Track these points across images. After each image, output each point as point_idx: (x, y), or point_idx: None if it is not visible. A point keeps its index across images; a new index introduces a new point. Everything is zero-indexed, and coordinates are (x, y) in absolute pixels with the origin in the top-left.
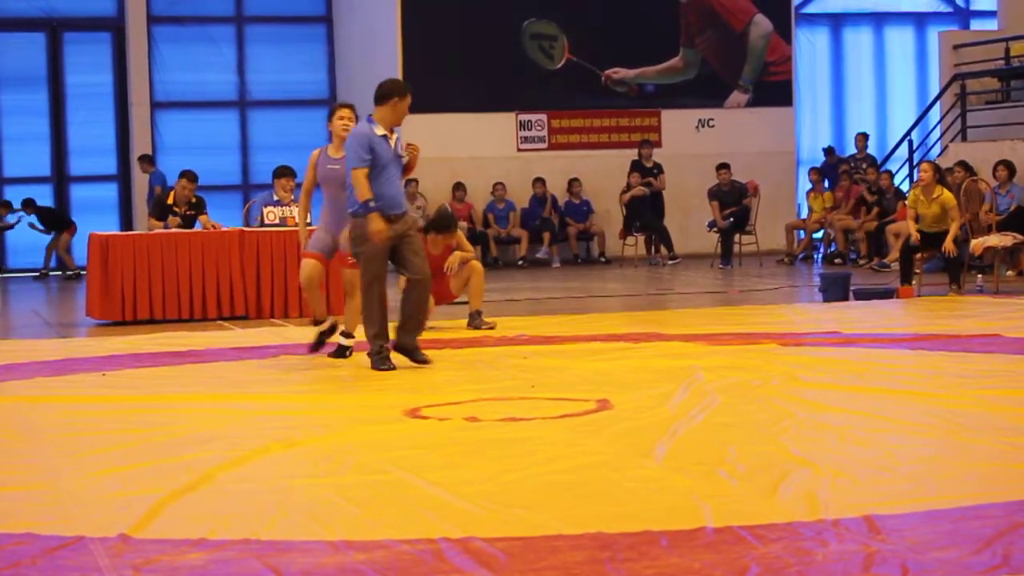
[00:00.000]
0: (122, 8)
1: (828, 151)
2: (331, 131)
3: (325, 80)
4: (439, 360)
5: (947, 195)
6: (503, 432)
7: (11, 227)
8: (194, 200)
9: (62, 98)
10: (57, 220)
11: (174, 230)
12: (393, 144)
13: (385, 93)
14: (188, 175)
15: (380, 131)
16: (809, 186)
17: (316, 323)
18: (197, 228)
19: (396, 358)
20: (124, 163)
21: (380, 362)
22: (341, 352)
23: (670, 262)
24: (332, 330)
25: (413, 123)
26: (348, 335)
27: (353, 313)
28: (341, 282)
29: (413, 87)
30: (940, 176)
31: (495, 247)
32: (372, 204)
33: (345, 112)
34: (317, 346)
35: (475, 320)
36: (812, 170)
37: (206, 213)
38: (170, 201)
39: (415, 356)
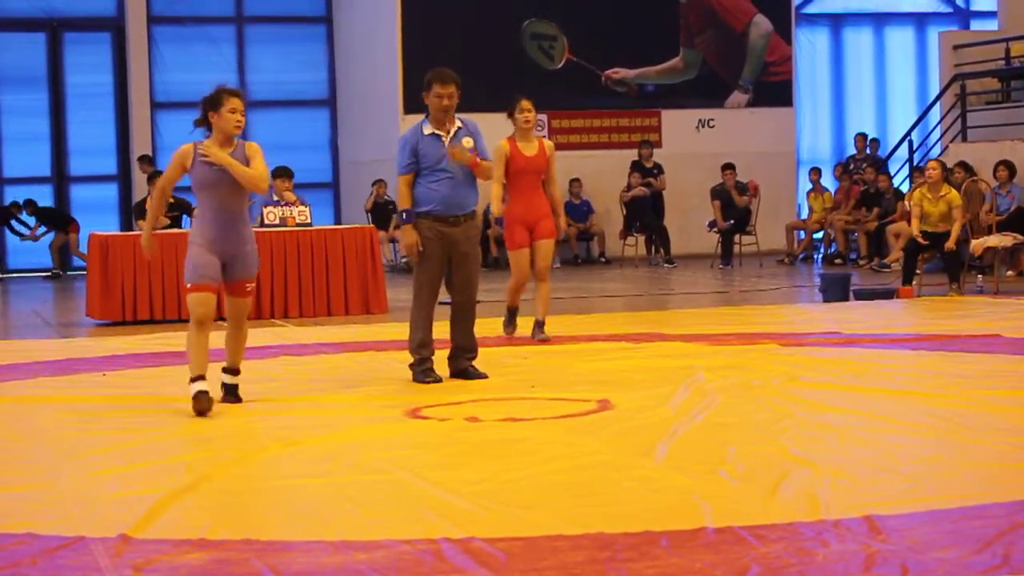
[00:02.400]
0: (122, 8)
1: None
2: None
3: (325, 80)
4: (439, 360)
5: (953, 194)
6: (503, 432)
7: (31, 236)
8: (173, 200)
9: (62, 98)
10: (58, 219)
11: (166, 231)
12: (447, 140)
13: (423, 87)
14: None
15: (429, 129)
16: (809, 186)
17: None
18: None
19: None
20: (124, 163)
21: (422, 375)
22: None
23: (667, 265)
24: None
25: (413, 122)
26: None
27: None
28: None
29: (414, 86)
30: (946, 175)
31: (495, 247)
32: (404, 216)
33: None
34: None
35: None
36: (812, 170)
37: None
38: (148, 204)
39: (470, 375)
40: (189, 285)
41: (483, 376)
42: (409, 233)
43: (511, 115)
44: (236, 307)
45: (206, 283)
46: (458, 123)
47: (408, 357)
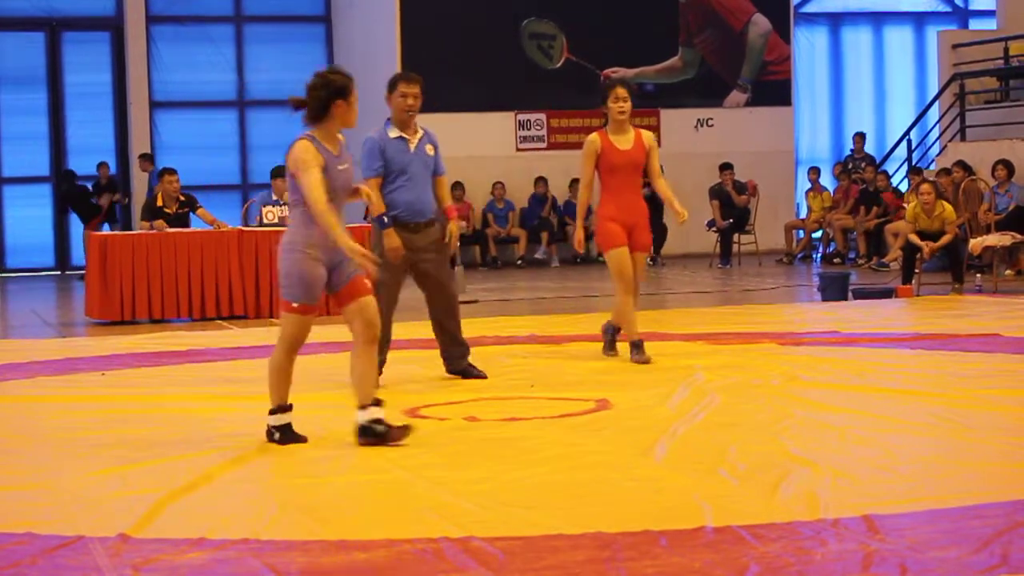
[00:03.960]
0: (121, 8)
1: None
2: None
3: None
4: (438, 360)
5: (948, 210)
6: (503, 432)
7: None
8: (183, 198)
9: (61, 97)
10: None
11: (170, 230)
12: (414, 146)
13: (387, 89)
14: (170, 170)
15: (395, 133)
16: (808, 186)
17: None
18: (198, 227)
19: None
20: (123, 162)
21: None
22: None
23: (650, 263)
24: None
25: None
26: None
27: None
28: None
29: None
30: (938, 192)
31: (494, 247)
32: (386, 219)
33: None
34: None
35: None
36: (811, 169)
37: (201, 207)
38: (160, 203)
39: (470, 374)
40: (296, 305)
41: (483, 375)
42: (392, 237)
43: (603, 103)
44: (368, 310)
45: (316, 306)
46: (421, 130)
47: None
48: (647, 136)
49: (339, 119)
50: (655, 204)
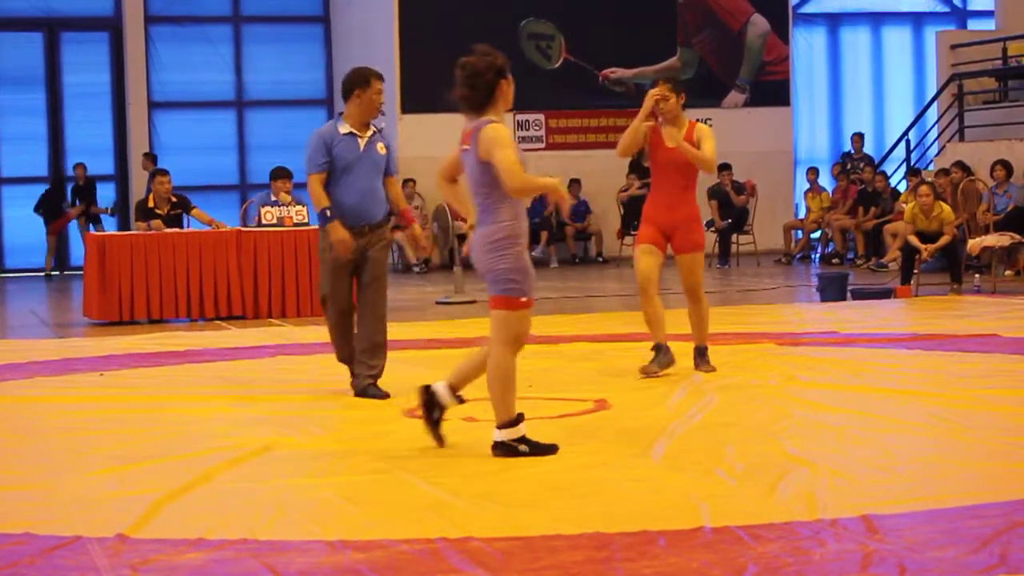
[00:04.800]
0: (119, 8)
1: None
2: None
3: (322, 80)
4: (437, 359)
5: (947, 211)
6: None
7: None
8: (175, 199)
9: (60, 98)
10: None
11: (168, 230)
12: (364, 144)
13: (346, 86)
14: (161, 171)
15: (347, 129)
16: (807, 186)
17: None
18: (196, 227)
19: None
20: (122, 163)
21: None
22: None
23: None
24: None
25: (411, 122)
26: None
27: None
28: None
29: (411, 87)
30: (936, 193)
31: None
32: (329, 213)
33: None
34: None
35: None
36: (810, 170)
37: (195, 207)
38: (151, 204)
39: (370, 395)
40: (525, 299)
41: (384, 396)
42: (338, 229)
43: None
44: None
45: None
46: (373, 128)
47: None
48: (699, 129)
49: (504, 99)
50: None
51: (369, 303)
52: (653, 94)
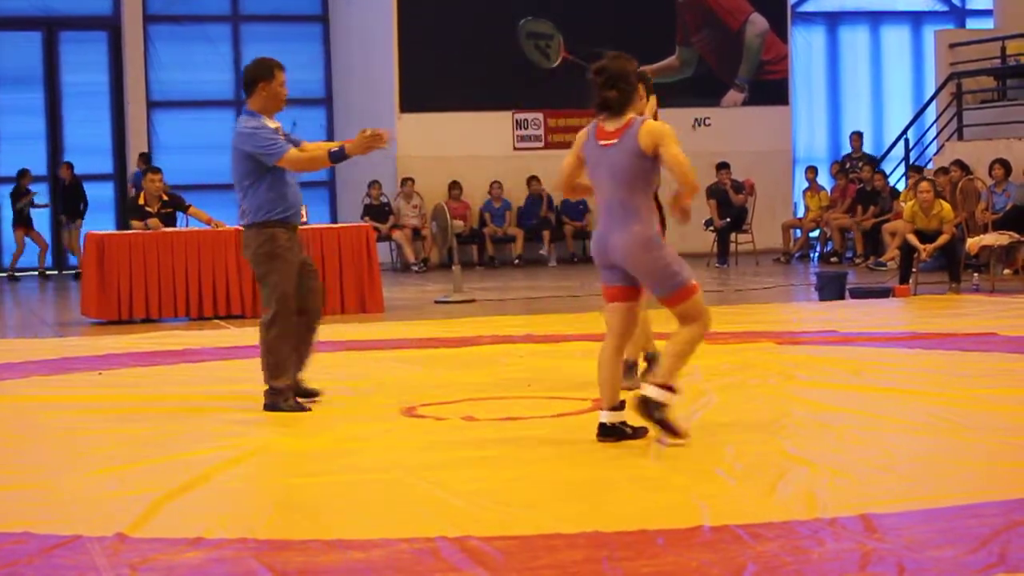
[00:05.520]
0: (118, 7)
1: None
2: None
3: (321, 79)
4: (436, 359)
5: (946, 209)
6: (500, 431)
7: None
8: (167, 197)
9: (58, 97)
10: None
11: (166, 229)
12: (283, 139)
13: (249, 80)
14: (153, 169)
15: (272, 124)
16: (805, 185)
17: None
18: (195, 226)
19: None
20: (120, 162)
21: (290, 404)
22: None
23: None
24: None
25: (409, 121)
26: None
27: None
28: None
29: (410, 86)
30: (936, 191)
31: (492, 246)
32: (339, 151)
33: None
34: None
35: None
36: (808, 169)
37: (191, 206)
38: (141, 202)
39: (303, 392)
40: (694, 283)
41: (316, 393)
42: (358, 142)
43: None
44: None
45: None
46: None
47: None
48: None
49: (640, 101)
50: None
51: (316, 309)
52: None
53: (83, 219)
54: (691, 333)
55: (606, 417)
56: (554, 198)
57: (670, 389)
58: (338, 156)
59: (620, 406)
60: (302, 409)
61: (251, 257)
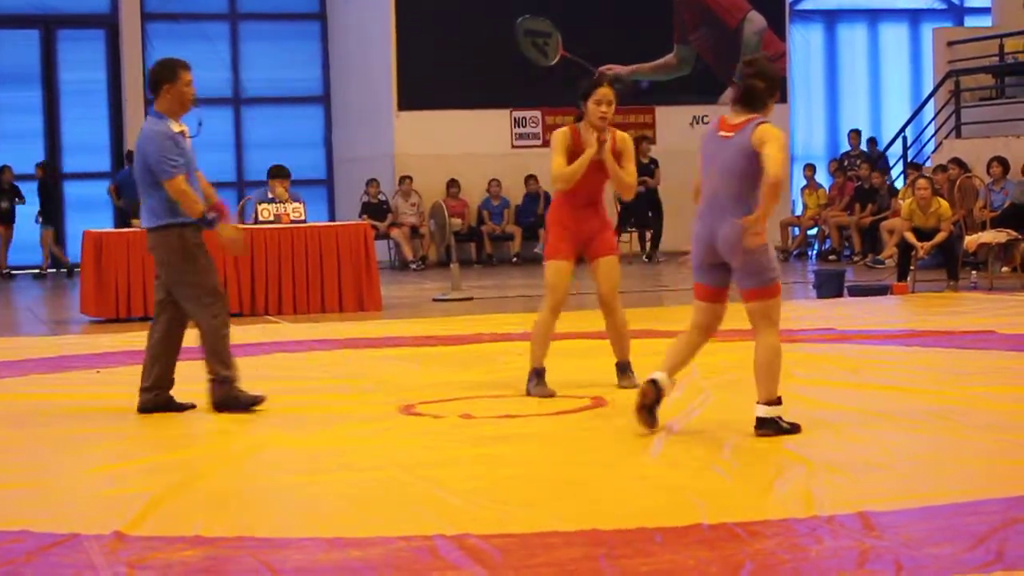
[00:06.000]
0: (116, 5)
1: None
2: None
3: (319, 77)
4: (434, 357)
5: (944, 207)
6: (498, 429)
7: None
8: None
9: (56, 95)
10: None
11: None
12: (189, 141)
13: (153, 81)
14: None
15: (177, 127)
16: (804, 182)
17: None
18: None
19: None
20: (118, 160)
21: (250, 400)
22: None
23: (645, 259)
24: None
25: (407, 119)
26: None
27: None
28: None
29: (407, 84)
30: (934, 189)
31: (490, 244)
32: (210, 217)
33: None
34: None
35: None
36: (807, 166)
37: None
38: None
39: (175, 407)
40: (779, 283)
41: (191, 406)
42: (230, 228)
43: (583, 101)
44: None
45: None
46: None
47: None
48: (621, 140)
49: (772, 106)
50: (654, 204)
51: (180, 325)
52: (600, 134)
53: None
54: (770, 340)
55: (762, 411)
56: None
57: (777, 402)
58: (206, 222)
59: (777, 401)
60: (258, 400)
61: (163, 261)
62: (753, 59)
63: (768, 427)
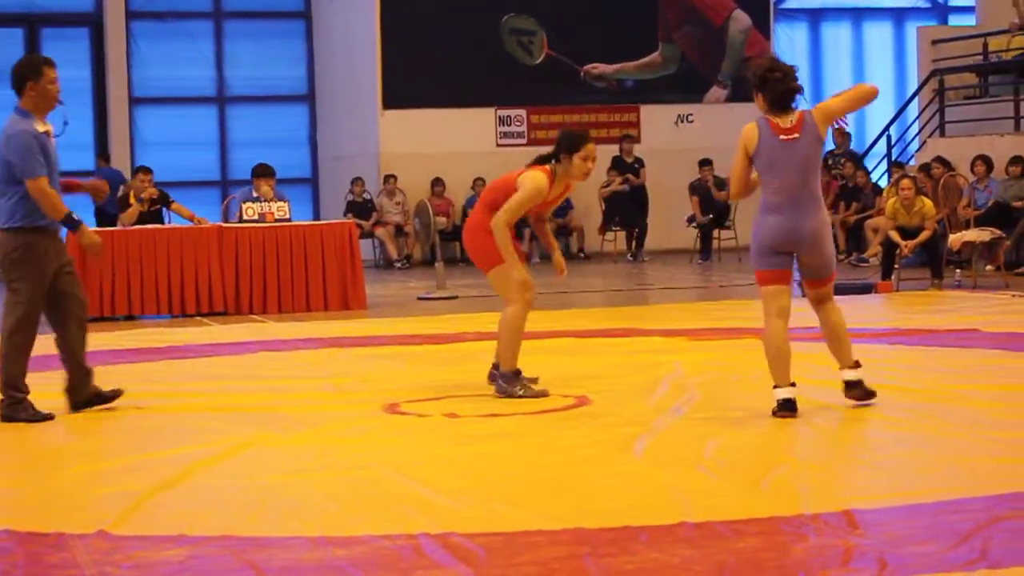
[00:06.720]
0: (100, 3)
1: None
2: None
3: (304, 76)
4: (419, 356)
5: (928, 205)
6: (482, 428)
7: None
8: (156, 195)
9: None
10: None
11: (151, 226)
12: (54, 141)
13: (16, 79)
14: (144, 169)
15: (42, 127)
16: None
17: None
18: (177, 223)
19: None
20: (103, 159)
21: (29, 414)
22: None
23: (630, 258)
24: None
25: (392, 118)
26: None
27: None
28: None
29: (392, 82)
30: (918, 188)
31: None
32: (73, 219)
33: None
34: None
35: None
36: None
37: (174, 201)
38: (132, 200)
39: (105, 397)
40: None
41: (117, 394)
42: (88, 232)
43: (566, 153)
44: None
45: None
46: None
47: None
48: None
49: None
50: (640, 202)
51: (82, 317)
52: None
53: None
54: (840, 312)
55: (851, 375)
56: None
57: (859, 364)
58: (69, 223)
59: (856, 364)
60: (46, 418)
61: (1, 261)
62: (781, 64)
63: (858, 388)
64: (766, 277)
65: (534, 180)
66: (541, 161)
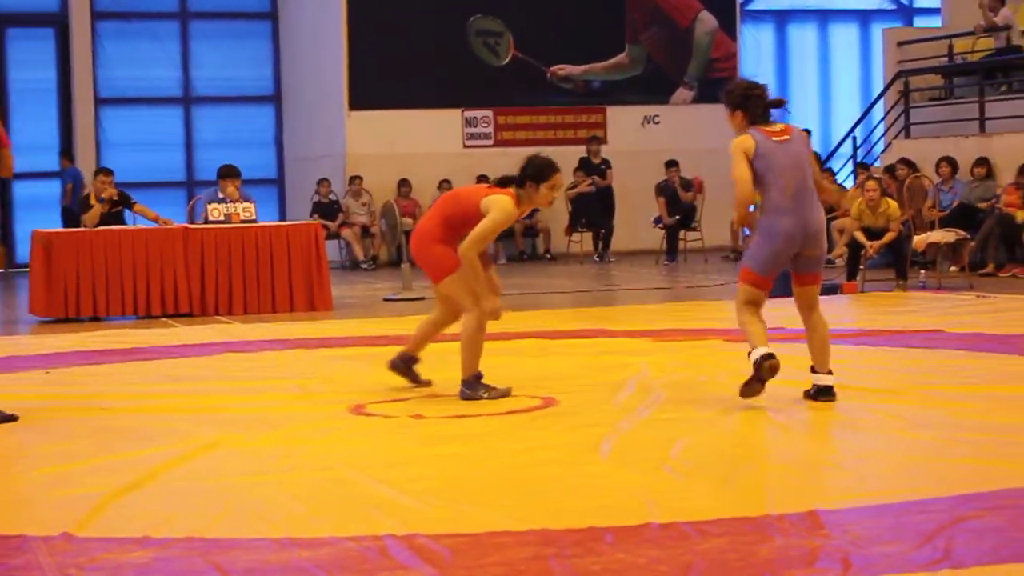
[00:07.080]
0: (66, 3)
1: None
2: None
3: (270, 76)
4: (385, 357)
5: (893, 207)
6: (448, 429)
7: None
8: (116, 196)
9: (5, 94)
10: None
11: (114, 227)
12: None
13: None
14: (104, 171)
15: None
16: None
17: None
18: (142, 224)
19: None
20: (67, 159)
21: None
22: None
23: (596, 259)
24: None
25: (359, 119)
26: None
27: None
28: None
29: (359, 83)
30: (883, 189)
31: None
32: None
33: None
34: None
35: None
36: None
37: (136, 202)
38: (93, 201)
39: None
40: None
41: None
42: None
43: (532, 181)
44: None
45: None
46: None
47: None
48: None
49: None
50: (607, 203)
51: None
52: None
53: None
54: (823, 319)
55: (824, 380)
56: None
57: (831, 373)
58: None
59: (830, 372)
60: (9, 419)
61: None
62: (750, 82)
63: (828, 395)
64: (762, 283)
65: (502, 207)
66: (503, 183)
